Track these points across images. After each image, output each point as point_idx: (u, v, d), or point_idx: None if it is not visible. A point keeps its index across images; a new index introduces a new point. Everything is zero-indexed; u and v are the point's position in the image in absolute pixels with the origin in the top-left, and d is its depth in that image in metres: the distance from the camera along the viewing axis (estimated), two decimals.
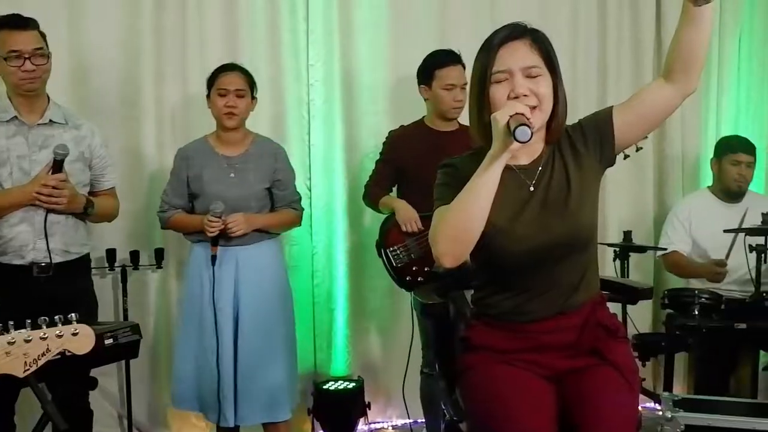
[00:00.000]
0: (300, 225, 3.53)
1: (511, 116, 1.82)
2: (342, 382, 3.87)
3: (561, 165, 2.04)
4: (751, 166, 3.98)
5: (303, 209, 3.47)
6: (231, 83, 3.25)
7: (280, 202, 3.36)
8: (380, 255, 3.53)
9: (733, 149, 3.97)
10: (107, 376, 3.63)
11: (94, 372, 2.92)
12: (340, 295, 4.07)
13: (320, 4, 3.97)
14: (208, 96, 3.31)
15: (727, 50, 4.48)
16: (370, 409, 3.85)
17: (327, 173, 4.04)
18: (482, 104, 2.00)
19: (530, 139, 1.77)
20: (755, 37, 4.51)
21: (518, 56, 1.97)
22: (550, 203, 2.01)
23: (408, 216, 3.41)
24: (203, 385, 3.23)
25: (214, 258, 3.17)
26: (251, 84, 3.32)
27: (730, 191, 3.99)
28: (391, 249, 3.48)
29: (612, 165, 2.08)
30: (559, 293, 2.04)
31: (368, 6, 4.04)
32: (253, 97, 3.34)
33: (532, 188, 2.03)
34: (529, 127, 1.77)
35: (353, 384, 3.83)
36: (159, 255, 3.76)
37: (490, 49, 1.99)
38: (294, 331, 3.46)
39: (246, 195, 3.23)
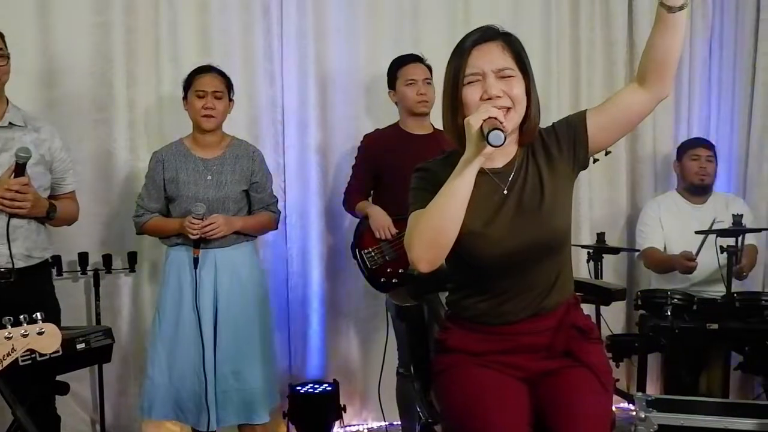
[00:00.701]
0: (277, 228, 3.52)
1: (484, 120, 1.83)
2: (317, 384, 3.86)
3: (534, 168, 2.05)
4: (711, 160, 4.05)
5: (280, 212, 3.47)
6: (209, 84, 3.22)
7: (258, 205, 3.35)
8: (355, 257, 3.54)
9: (692, 145, 4.08)
10: (79, 381, 3.59)
11: (65, 377, 2.88)
12: (315, 298, 4.06)
13: (294, 7, 3.96)
14: (184, 98, 3.28)
15: (699, 54, 4.52)
16: (345, 411, 3.85)
17: (301, 176, 4.02)
18: (455, 107, 2.00)
19: (504, 143, 1.78)
20: (726, 40, 4.55)
21: (490, 58, 1.97)
22: (524, 207, 2.02)
23: (381, 223, 3.43)
24: (182, 390, 3.19)
25: (196, 261, 3.15)
26: (229, 86, 3.30)
27: (693, 186, 4.05)
28: (366, 251, 3.50)
29: (585, 168, 2.09)
30: (533, 295, 2.05)
31: (342, 9, 4.03)
32: (231, 99, 3.32)
33: (505, 192, 2.04)
34: (502, 131, 1.78)
35: (328, 387, 3.82)
36: (132, 258, 3.73)
37: (462, 51, 2.00)
38: (272, 333, 3.46)
39: (223, 197, 3.21)
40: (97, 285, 3.67)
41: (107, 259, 3.69)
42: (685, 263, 3.78)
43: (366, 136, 3.63)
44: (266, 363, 3.32)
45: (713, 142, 4.17)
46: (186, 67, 3.72)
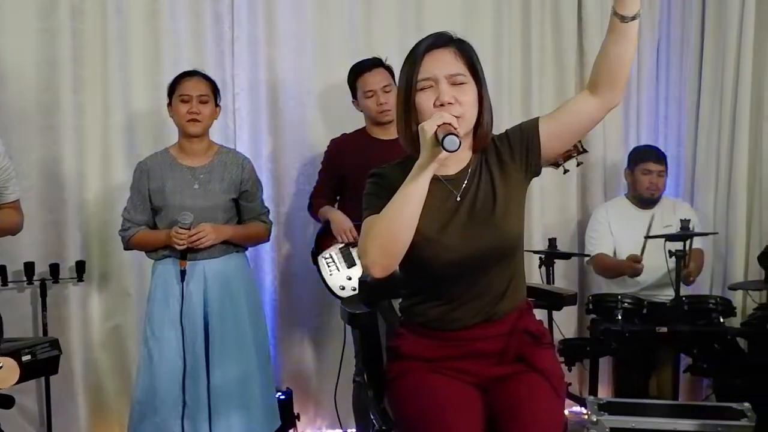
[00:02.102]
0: (268, 240, 3.43)
1: (438, 126, 1.83)
2: None
3: (487, 175, 2.06)
4: (662, 174, 4.08)
5: (271, 223, 3.37)
6: (194, 89, 3.14)
7: (248, 215, 3.25)
8: (315, 263, 3.50)
9: (643, 159, 4.08)
10: (25, 393, 3.52)
11: (10, 390, 2.80)
12: (268, 305, 4.03)
13: (245, 12, 3.93)
14: (169, 104, 3.19)
15: (647, 60, 4.60)
16: (299, 420, 3.82)
17: None
18: (409, 112, 2.00)
19: (459, 147, 1.78)
20: (673, 46, 4.64)
21: (443, 64, 1.98)
22: (477, 213, 2.03)
23: (342, 227, 3.40)
24: (165, 410, 3.06)
25: (183, 273, 3.05)
26: (215, 90, 3.22)
27: (643, 198, 4.09)
28: (325, 257, 3.47)
29: (537, 175, 2.10)
30: (485, 301, 2.05)
31: (294, 15, 4.01)
32: (217, 105, 3.23)
33: (459, 198, 2.04)
34: (457, 136, 1.78)
35: (282, 395, 3.79)
36: (80, 267, 3.65)
37: (415, 57, 2.00)
38: (267, 346, 3.36)
39: (211, 206, 3.12)
40: (43, 295, 3.59)
41: (54, 269, 3.61)
42: (632, 266, 3.83)
43: (332, 141, 3.60)
44: (265, 377, 3.22)
45: (663, 150, 4.22)
46: (134, 73, 3.70)
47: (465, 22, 4.21)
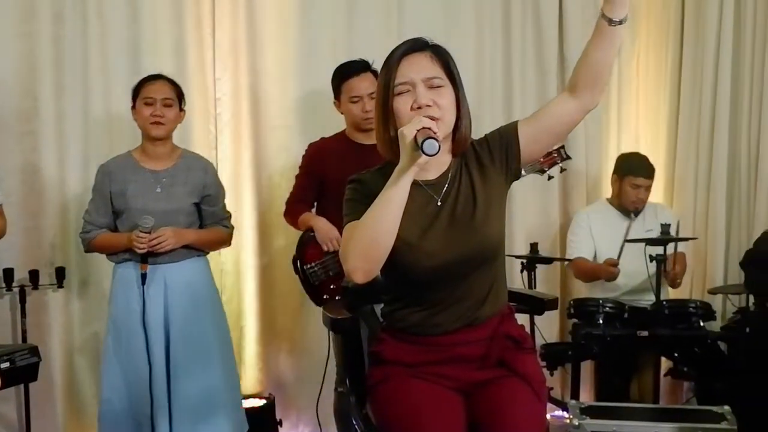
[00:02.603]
0: (230, 245, 3.43)
1: (418, 130, 1.83)
2: (252, 399, 3.81)
3: (467, 179, 2.06)
4: (650, 188, 4.09)
5: (233, 227, 3.37)
6: (158, 92, 3.13)
7: (209, 219, 3.25)
8: (297, 272, 3.46)
9: (634, 172, 4.05)
10: (4, 400, 3.50)
11: None
12: (250, 312, 4.02)
13: (227, 18, 3.93)
14: (133, 107, 3.18)
15: (626, 67, 4.63)
16: (281, 426, 3.81)
17: (235, 188, 3.97)
18: (387, 118, 2.01)
19: (438, 151, 1.78)
20: (651, 53, 4.68)
21: (419, 67, 1.99)
22: (458, 218, 2.03)
23: (328, 235, 3.33)
24: (137, 411, 3.07)
25: (144, 276, 3.04)
26: (179, 94, 3.22)
27: (627, 210, 4.11)
28: (309, 266, 3.41)
29: (518, 178, 2.11)
30: (467, 306, 2.06)
31: (275, 20, 4.01)
32: (182, 109, 3.22)
33: (439, 203, 2.05)
34: (436, 140, 1.79)
35: (264, 401, 3.78)
36: (60, 274, 3.63)
37: (392, 62, 2.01)
38: (231, 350, 3.35)
39: (174, 209, 3.11)
40: (23, 302, 3.56)
41: (34, 275, 3.58)
42: (609, 269, 3.85)
43: (311, 145, 3.54)
44: (228, 380, 3.21)
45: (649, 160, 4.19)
46: (115, 79, 3.68)
47: (446, 27, 4.22)
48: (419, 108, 1.95)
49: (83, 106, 3.72)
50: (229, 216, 3.34)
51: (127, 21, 3.77)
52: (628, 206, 4.08)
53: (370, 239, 1.91)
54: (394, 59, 2.01)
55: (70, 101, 3.70)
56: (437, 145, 1.78)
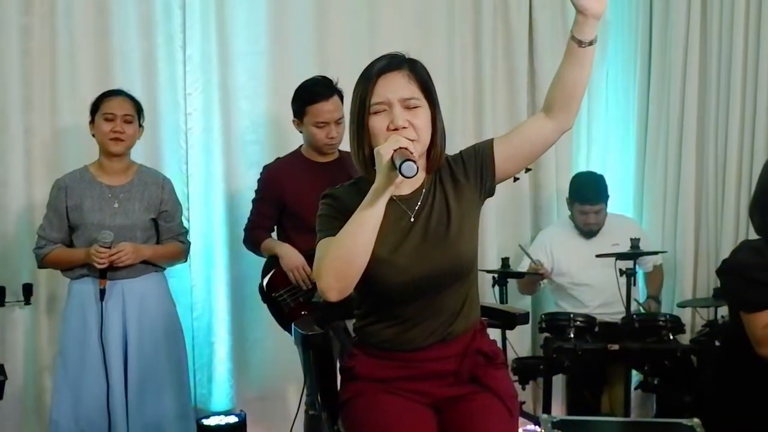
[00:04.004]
0: (186, 260, 3.43)
1: (395, 150, 1.83)
2: (223, 416, 3.78)
3: (441, 195, 2.07)
4: (600, 210, 4.10)
5: (189, 243, 3.37)
6: (118, 108, 3.13)
7: (166, 235, 3.25)
8: (265, 301, 3.38)
9: (580, 199, 4.08)
10: None
11: None
12: (221, 328, 3.98)
13: (197, 33, 3.90)
14: (91, 122, 3.17)
15: (595, 83, 4.68)
16: None
17: (206, 203, 3.95)
18: (361, 135, 2.00)
19: (416, 173, 1.78)
20: (620, 69, 4.73)
21: (396, 87, 1.98)
22: (431, 233, 2.03)
23: (293, 263, 3.23)
24: (90, 428, 3.04)
25: (103, 292, 3.02)
26: (139, 110, 3.22)
27: (583, 232, 4.15)
28: (277, 293, 3.33)
29: (492, 195, 2.12)
30: (439, 322, 2.06)
31: (247, 35, 4.00)
32: (141, 125, 3.22)
33: (412, 219, 2.05)
34: (414, 162, 1.79)
35: (236, 418, 3.75)
36: (27, 290, 3.56)
37: (368, 79, 2.00)
38: (186, 366, 3.35)
39: (130, 225, 3.11)
40: None
41: (0, 292, 3.53)
42: (536, 274, 3.97)
43: (266, 167, 3.47)
44: (180, 397, 3.21)
45: (606, 175, 4.21)
46: (85, 94, 3.62)
47: (418, 42, 4.21)
48: (396, 129, 1.94)
49: (51, 121, 3.68)
50: (185, 231, 3.35)
51: (96, 35, 3.74)
52: (583, 228, 4.14)
53: (345, 258, 1.90)
54: (370, 76, 1.99)
55: (38, 116, 3.66)
56: (415, 167, 1.78)
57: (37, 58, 3.64)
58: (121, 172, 3.19)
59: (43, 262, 3.18)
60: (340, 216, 1.97)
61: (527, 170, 3.84)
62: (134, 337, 3.09)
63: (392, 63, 2.02)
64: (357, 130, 2.01)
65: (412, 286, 2.01)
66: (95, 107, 3.17)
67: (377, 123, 1.97)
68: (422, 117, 1.99)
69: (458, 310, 2.08)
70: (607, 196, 4.12)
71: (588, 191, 4.08)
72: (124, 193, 3.15)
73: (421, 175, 2.07)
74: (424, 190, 2.07)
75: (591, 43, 1.89)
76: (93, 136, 3.18)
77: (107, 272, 3.02)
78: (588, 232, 4.13)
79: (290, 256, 3.26)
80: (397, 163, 1.79)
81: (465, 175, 2.07)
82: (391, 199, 1.99)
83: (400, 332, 2.06)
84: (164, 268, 3.31)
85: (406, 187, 2.05)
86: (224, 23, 3.95)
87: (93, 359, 3.04)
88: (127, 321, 3.10)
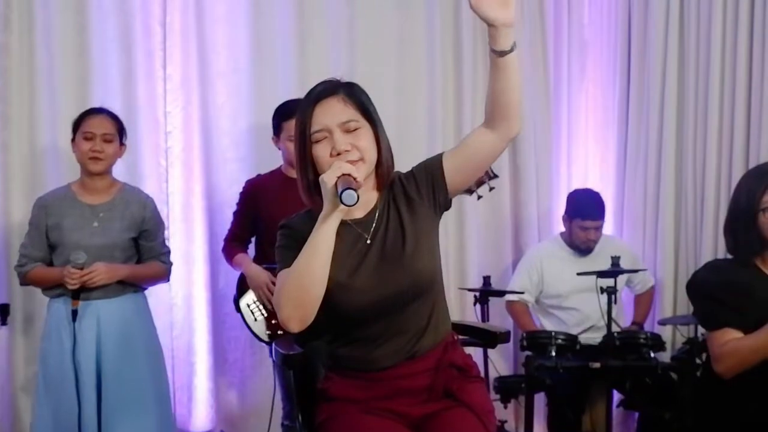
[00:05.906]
0: (168, 280, 3.38)
1: (338, 177, 1.84)
2: None
3: (395, 214, 2.06)
4: (600, 227, 4.12)
5: (172, 263, 3.33)
6: (98, 126, 3.10)
7: (147, 254, 3.21)
8: (238, 311, 3.44)
9: (582, 215, 4.08)
10: None
11: None
12: (201, 347, 3.95)
13: (178, 51, 3.91)
14: (73, 140, 3.14)
15: (575, 101, 4.71)
16: None
17: (186, 222, 3.94)
18: (306, 165, 2.01)
19: (357, 202, 1.79)
20: (599, 88, 4.76)
21: (333, 113, 1.98)
22: (388, 253, 2.02)
23: (258, 283, 3.34)
24: None
25: (75, 313, 2.97)
26: (120, 129, 3.19)
27: (579, 248, 4.15)
28: (248, 304, 3.41)
29: (448, 209, 2.12)
30: (405, 339, 2.05)
31: (227, 53, 4.01)
32: (122, 144, 3.20)
33: (368, 241, 2.04)
34: (355, 190, 1.79)
35: None
36: (3, 310, 3.52)
37: (305, 108, 2.00)
38: (167, 388, 3.31)
39: (110, 244, 3.07)
40: None
41: None
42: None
43: (247, 182, 3.55)
44: (162, 420, 3.15)
45: (600, 196, 4.20)
46: (64, 112, 3.62)
47: (397, 60, 4.20)
48: (338, 154, 1.95)
49: (29, 138, 3.66)
50: (167, 251, 3.30)
51: (75, 53, 3.73)
52: (580, 246, 4.13)
53: (301, 287, 1.91)
54: (308, 104, 2.00)
55: (16, 132, 3.64)
56: (356, 195, 1.79)
57: (15, 76, 3.63)
58: (102, 190, 3.16)
59: (24, 280, 3.15)
60: (296, 245, 1.96)
61: (491, 188, 3.79)
62: (110, 358, 3.04)
63: (327, 89, 2.02)
64: (301, 159, 2.02)
65: (373, 307, 2.00)
66: (76, 126, 3.14)
67: (320, 151, 1.97)
68: (365, 137, 1.99)
69: (424, 326, 2.06)
70: (605, 213, 4.16)
71: (590, 207, 4.10)
72: (105, 212, 3.11)
73: (374, 196, 2.07)
74: (377, 212, 2.06)
75: (511, 50, 1.87)
76: (74, 154, 3.16)
77: (80, 293, 2.98)
78: (585, 249, 4.13)
79: (255, 274, 3.37)
80: (339, 192, 1.80)
81: (417, 191, 2.07)
82: (346, 223, 2.00)
83: (367, 353, 2.05)
84: (144, 288, 3.26)
85: (359, 210, 2.03)
86: (204, 41, 3.96)
87: (67, 381, 2.99)
88: (101, 343, 3.03)
